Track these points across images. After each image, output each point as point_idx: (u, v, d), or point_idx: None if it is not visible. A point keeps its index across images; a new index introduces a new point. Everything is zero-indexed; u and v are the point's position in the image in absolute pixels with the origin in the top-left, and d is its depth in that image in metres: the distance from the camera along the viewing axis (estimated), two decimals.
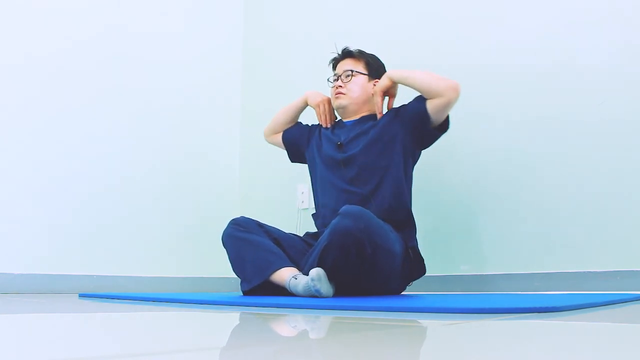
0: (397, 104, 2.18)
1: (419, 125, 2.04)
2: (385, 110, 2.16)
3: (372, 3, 2.86)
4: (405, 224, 2.04)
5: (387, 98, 2.17)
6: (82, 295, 2.23)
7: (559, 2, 2.27)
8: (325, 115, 2.27)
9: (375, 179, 2.04)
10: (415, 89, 2.05)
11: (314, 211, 2.23)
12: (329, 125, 2.26)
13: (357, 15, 2.91)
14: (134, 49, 2.99)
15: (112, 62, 2.89)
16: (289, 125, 2.38)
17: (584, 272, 2.06)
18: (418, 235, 2.10)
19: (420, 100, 2.03)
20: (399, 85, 2.14)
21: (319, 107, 2.27)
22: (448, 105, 1.99)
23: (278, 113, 2.40)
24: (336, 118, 2.30)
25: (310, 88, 2.43)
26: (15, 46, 2.59)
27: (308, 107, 2.34)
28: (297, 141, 2.33)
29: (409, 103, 2.10)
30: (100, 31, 2.86)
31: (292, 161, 2.41)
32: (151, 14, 3.08)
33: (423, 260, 2.05)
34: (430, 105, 2.00)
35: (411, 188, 2.13)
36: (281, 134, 2.38)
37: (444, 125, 2.06)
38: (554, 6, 2.28)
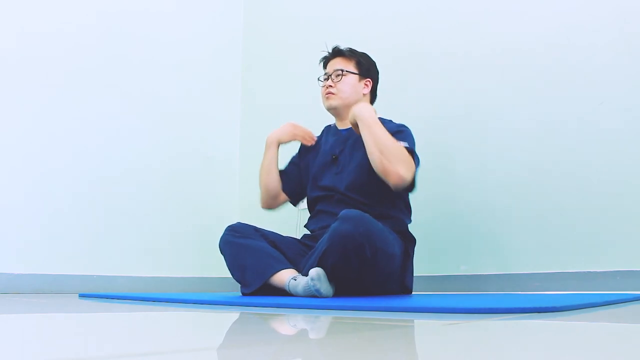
0: (399, 103, 2.16)
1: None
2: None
3: (373, 4, 2.86)
4: (403, 237, 2.03)
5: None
6: (82, 295, 2.23)
7: (559, 2, 2.27)
8: (305, 135, 2.21)
9: (369, 197, 2.02)
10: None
11: (311, 212, 2.22)
12: (315, 141, 2.22)
13: (357, 14, 2.91)
14: (135, 49, 2.99)
15: (112, 62, 2.89)
16: (278, 177, 2.21)
17: (584, 272, 2.06)
18: (418, 235, 2.09)
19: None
20: (392, 89, 2.10)
21: (295, 136, 2.20)
22: (394, 187, 1.88)
23: (261, 179, 2.22)
24: (312, 134, 2.24)
25: (310, 87, 2.42)
26: (12, 41, 2.59)
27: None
28: (300, 185, 2.24)
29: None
30: (102, 31, 2.86)
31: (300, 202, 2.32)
32: (153, 13, 3.08)
33: (412, 278, 2.04)
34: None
35: (409, 204, 2.10)
36: (282, 194, 2.24)
37: (408, 188, 1.95)
38: (554, 6, 2.27)
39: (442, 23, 2.57)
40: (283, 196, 2.25)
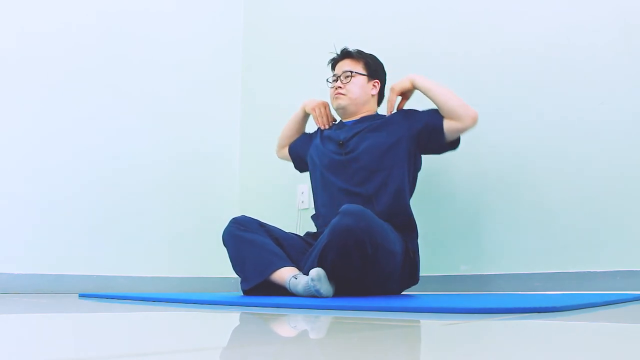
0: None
1: (430, 138, 2.06)
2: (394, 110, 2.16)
3: (373, 4, 2.86)
4: (406, 227, 2.03)
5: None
6: (82, 295, 2.23)
7: (559, 2, 2.27)
8: (322, 117, 2.27)
9: (377, 180, 2.03)
10: (435, 103, 2.05)
11: (314, 212, 2.23)
12: (327, 127, 2.27)
13: (357, 14, 2.90)
14: (135, 49, 2.98)
15: (112, 62, 2.89)
16: (295, 138, 2.40)
17: (584, 272, 2.06)
18: (418, 235, 2.10)
19: (438, 116, 2.04)
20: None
21: (314, 110, 2.29)
22: (463, 130, 2.02)
23: (283, 128, 2.44)
24: (335, 120, 2.30)
25: (310, 87, 2.44)
26: (12, 41, 2.59)
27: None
28: (301, 150, 2.35)
29: (423, 111, 2.09)
30: (102, 31, 2.86)
31: (299, 170, 2.45)
32: (153, 13, 3.08)
33: (419, 268, 2.05)
34: (447, 125, 2.02)
35: (412, 192, 2.13)
36: (287, 147, 2.42)
37: (455, 143, 2.09)
38: (554, 6, 2.27)
39: (442, 23, 2.57)
40: (287, 151, 2.43)
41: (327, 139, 2.20)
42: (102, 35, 2.86)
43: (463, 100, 2.01)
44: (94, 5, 2.85)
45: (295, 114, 2.39)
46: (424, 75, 2.11)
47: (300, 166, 2.42)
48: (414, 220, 2.07)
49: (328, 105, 2.29)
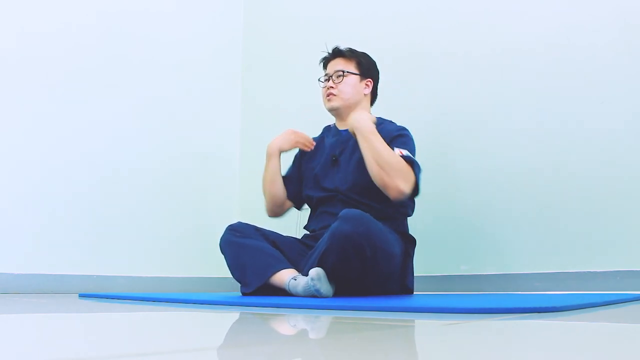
0: (397, 104, 2.16)
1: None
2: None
3: (373, 4, 2.86)
4: (404, 238, 2.03)
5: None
6: (82, 295, 2.23)
7: (559, 2, 2.27)
8: (305, 140, 2.20)
9: (371, 198, 2.01)
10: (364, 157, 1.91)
11: (313, 213, 2.22)
12: (314, 146, 2.21)
13: (357, 14, 2.90)
14: (135, 49, 2.98)
15: (113, 62, 2.89)
16: (282, 185, 2.20)
17: (584, 272, 2.06)
18: (418, 235, 2.09)
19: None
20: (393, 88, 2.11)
21: (297, 144, 2.18)
22: (394, 200, 1.89)
23: (265, 189, 2.20)
24: (313, 143, 2.22)
25: (310, 87, 2.42)
26: (12, 41, 2.59)
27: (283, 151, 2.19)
28: (298, 187, 2.23)
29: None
30: (102, 31, 2.86)
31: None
32: (153, 13, 3.08)
33: (413, 278, 2.05)
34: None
35: (409, 209, 2.10)
36: (287, 201, 2.23)
37: (412, 195, 1.94)
38: (554, 6, 2.27)
39: (442, 23, 2.57)
40: (288, 203, 2.25)
41: (319, 151, 2.17)
42: (102, 35, 2.86)
43: (394, 168, 1.83)
44: (94, 5, 2.85)
45: (272, 166, 2.16)
46: (367, 117, 1.91)
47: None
48: (412, 236, 2.06)
49: (295, 131, 2.20)
